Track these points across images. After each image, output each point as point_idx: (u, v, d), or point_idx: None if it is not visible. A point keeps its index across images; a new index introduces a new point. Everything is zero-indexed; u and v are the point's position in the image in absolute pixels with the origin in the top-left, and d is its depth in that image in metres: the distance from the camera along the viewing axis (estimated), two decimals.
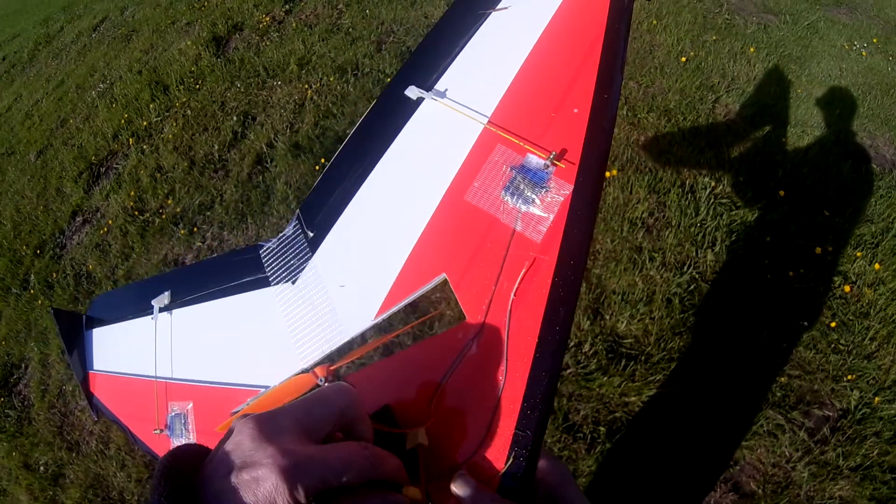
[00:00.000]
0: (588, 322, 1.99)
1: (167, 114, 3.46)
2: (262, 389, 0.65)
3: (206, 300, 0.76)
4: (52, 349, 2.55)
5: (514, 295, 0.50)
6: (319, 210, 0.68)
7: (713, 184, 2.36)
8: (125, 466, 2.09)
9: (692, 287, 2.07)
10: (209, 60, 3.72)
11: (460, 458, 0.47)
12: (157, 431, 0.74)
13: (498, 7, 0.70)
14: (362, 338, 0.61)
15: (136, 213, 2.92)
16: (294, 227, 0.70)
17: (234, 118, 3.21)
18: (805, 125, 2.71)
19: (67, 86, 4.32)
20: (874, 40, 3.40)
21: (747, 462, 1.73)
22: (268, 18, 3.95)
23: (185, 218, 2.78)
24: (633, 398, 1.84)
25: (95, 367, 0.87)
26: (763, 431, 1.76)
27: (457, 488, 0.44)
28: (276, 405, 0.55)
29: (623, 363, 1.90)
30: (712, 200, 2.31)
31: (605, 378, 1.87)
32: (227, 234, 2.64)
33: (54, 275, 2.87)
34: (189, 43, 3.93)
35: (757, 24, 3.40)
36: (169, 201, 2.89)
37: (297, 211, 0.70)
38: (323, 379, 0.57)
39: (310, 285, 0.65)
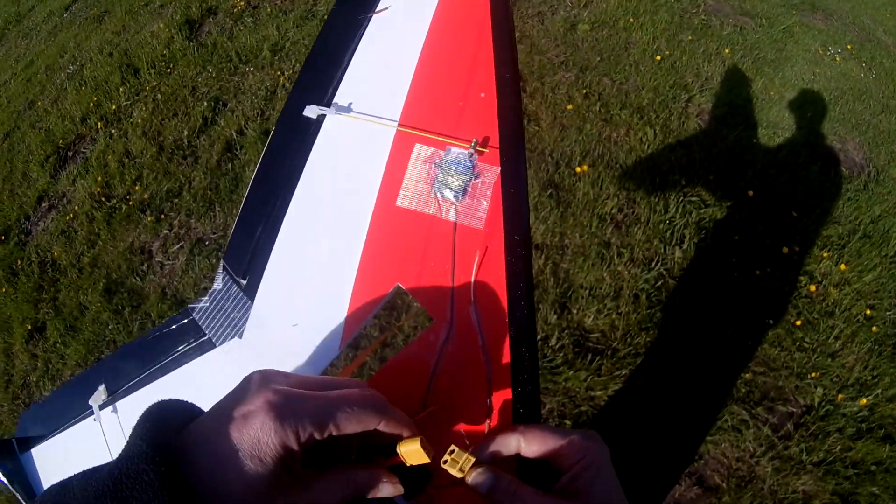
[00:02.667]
0: (555, 316, 1.99)
1: (137, 98, 3.37)
2: None
3: (150, 381, 0.69)
4: (17, 339, 2.47)
5: (474, 284, 0.51)
6: (245, 255, 0.64)
7: (683, 181, 2.38)
8: None
9: (660, 283, 2.09)
10: (181, 44, 3.63)
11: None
12: None
13: (377, 9, 0.69)
14: (332, 369, 0.58)
15: (103, 199, 2.84)
16: (223, 278, 0.65)
17: (205, 104, 3.14)
18: (776, 127, 2.74)
19: (37, 66, 4.18)
20: (848, 46, 3.45)
21: (711, 456, 1.74)
22: (242, 3, 3.86)
23: (153, 205, 2.71)
24: (598, 392, 1.84)
25: None
26: (727, 426, 1.78)
27: (475, 480, 0.39)
28: None
29: (589, 357, 1.90)
30: (682, 198, 2.32)
31: (572, 372, 1.87)
32: (195, 221, 2.58)
33: (19, 262, 2.78)
34: (162, 25, 3.83)
35: (733, 26, 3.42)
36: (136, 187, 2.82)
37: (222, 262, 0.65)
38: None
39: (260, 333, 0.61)
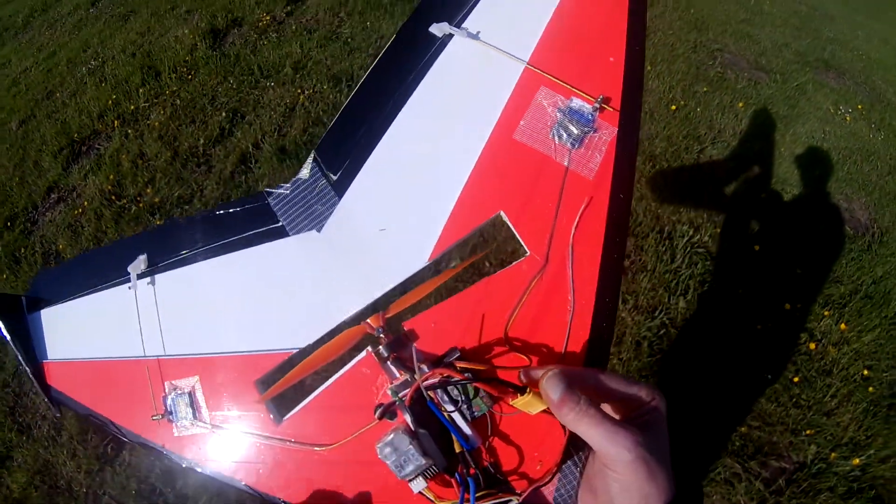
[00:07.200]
0: None
1: (156, 100, 3.40)
2: (295, 350, 0.60)
3: (200, 260, 0.66)
4: None
5: (575, 229, 0.54)
6: (341, 151, 0.64)
7: (691, 232, 2.39)
8: (76, 456, 2.00)
9: (662, 332, 2.09)
10: (204, 52, 3.67)
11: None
12: (157, 417, 0.63)
13: None
14: (415, 281, 0.59)
15: (114, 197, 2.85)
16: (312, 170, 0.64)
17: (223, 114, 3.16)
18: (785, 183, 2.77)
19: (58, 58, 4.22)
20: (859, 106, 3.50)
21: None
22: (268, 17, 3.92)
23: (163, 209, 2.72)
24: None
25: (50, 356, 0.72)
26: (720, 479, 1.77)
27: (548, 382, 0.40)
28: (324, 363, 0.57)
29: None
30: (689, 249, 2.34)
31: None
32: None
33: (22, 250, 2.77)
34: (186, 32, 3.88)
35: (748, 80, 3.48)
36: (148, 190, 2.83)
37: (314, 153, 0.65)
38: (379, 329, 0.56)
39: (342, 231, 0.61)
